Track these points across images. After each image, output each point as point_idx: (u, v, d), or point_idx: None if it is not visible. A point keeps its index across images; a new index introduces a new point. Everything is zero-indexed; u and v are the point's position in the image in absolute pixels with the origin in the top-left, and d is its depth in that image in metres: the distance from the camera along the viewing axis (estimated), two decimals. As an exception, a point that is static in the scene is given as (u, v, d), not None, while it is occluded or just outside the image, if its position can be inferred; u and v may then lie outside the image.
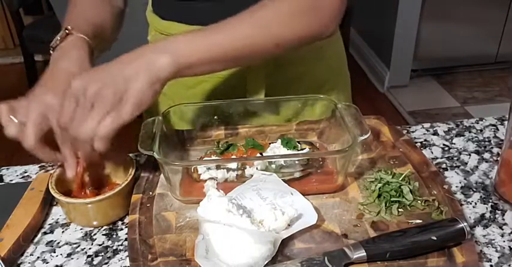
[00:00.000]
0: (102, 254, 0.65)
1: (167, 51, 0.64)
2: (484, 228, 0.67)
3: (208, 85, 0.89)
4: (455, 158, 0.81)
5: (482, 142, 0.85)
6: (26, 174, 0.82)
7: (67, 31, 0.75)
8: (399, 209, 0.67)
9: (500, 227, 0.67)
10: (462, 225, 0.60)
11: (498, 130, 0.88)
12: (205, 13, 0.81)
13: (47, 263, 0.65)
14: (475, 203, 0.72)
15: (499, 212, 0.70)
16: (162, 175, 0.73)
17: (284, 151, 0.74)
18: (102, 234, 0.69)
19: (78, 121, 0.62)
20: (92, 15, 0.82)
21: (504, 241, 0.65)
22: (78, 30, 0.75)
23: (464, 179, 0.76)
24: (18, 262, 0.65)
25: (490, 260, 0.62)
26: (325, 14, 0.75)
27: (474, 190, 0.74)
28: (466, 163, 0.80)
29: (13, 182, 0.80)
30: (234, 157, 0.74)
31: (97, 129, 0.61)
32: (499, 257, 0.62)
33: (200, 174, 0.71)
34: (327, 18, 0.75)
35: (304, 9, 0.72)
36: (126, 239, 0.66)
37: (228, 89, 0.88)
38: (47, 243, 0.68)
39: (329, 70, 0.96)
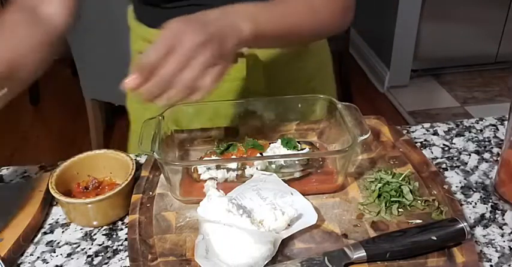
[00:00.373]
0: (102, 254, 0.65)
1: (248, 19, 0.65)
2: (484, 228, 0.67)
3: None
4: (455, 158, 0.81)
5: (482, 142, 0.85)
6: (26, 174, 0.82)
7: None
8: (399, 209, 0.67)
9: (500, 227, 0.67)
10: (462, 225, 0.60)
11: (498, 130, 0.88)
12: None
13: (47, 263, 0.65)
14: (475, 203, 0.72)
15: (499, 212, 0.70)
16: (162, 175, 0.73)
17: (284, 151, 0.74)
18: (102, 234, 0.69)
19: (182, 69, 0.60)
20: None
21: (504, 241, 0.65)
22: None
23: (464, 179, 0.76)
24: (18, 262, 0.65)
25: (490, 260, 0.62)
26: (351, 9, 0.79)
27: (474, 190, 0.74)
28: (466, 163, 0.80)
29: (13, 182, 0.80)
30: (234, 157, 0.74)
31: (203, 79, 0.60)
32: (499, 257, 0.62)
33: (200, 174, 0.71)
34: (351, 13, 0.80)
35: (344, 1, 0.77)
36: (126, 239, 0.66)
37: (229, 92, 0.88)
38: (47, 243, 0.68)
39: (317, 64, 0.99)
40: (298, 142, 0.77)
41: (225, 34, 0.62)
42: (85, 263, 0.64)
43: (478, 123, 0.90)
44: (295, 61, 0.92)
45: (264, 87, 0.91)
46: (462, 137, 0.86)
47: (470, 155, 0.82)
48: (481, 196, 0.73)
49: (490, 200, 0.72)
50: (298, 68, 0.94)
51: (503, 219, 0.69)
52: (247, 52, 0.81)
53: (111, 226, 0.70)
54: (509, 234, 0.66)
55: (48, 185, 0.70)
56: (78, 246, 0.67)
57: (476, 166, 0.79)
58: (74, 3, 0.79)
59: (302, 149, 0.75)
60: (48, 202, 0.74)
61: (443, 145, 0.85)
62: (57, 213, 0.73)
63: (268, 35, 0.68)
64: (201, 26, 0.61)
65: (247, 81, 0.88)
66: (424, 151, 0.80)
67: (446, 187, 0.69)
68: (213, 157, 0.74)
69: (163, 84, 0.59)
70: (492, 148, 0.83)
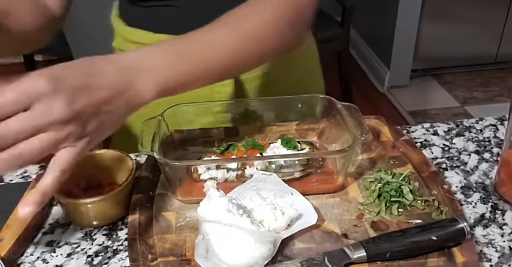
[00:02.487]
0: (102, 254, 0.65)
1: (152, 79, 0.55)
2: (484, 228, 0.67)
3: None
4: (455, 158, 0.81)
5: (482, 142, 0.85)
6: (26, 174, 0.82)
7: None
8: (399, 209, 0.67)
9: (500, 227, 0.67)
10: (462, 225, 0.60)
11: (498, 130, 0.88)
12: (173, 21, 0.77)
13: (47, 263, 0.65)
14: (475, 203, 0.72)
15: (499, 212, 0.70)
16: (162, 175, 0.73)
17: (284, 151, 0.74)
18: (102, 234, 0.69)
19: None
20: None
21: (504, 241, 0.65)
22: None
23: (464, 179, 0.76)
24: (18, 262, 0.65)
25: (490, 260, 0.62)
26: (303, 23, 0.71)
27: (474, 190, 0.74)
28: (466, 163, 0.80)
29: (13, 182, 0.80)
30: (234, 157, 0.74)
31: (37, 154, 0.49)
32: (499, 257, 0.62)
33: (200, 174, 0.71)
34: (305, 27, 0.72)
35: (288, 17, 0.67)
36: (126, 239, 0.66)
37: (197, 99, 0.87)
38: (47, 243, 0.68)
39: (299, 81, 0.95)
40: (298, 142, 0.77)
41: (99, 112, 0.52)
42: (85, 263, 0.64)
43: (478, 123, 0.90)
44: (266, 76, 0.89)
45: (252, 94, 0.90)
46: (462, 137, 0.86)
47: (470, 155, 0.82)
48: (481, 196, 0.73)
49: (490, 200, 0.72)
50: (271, 83, 0.90)
51: (503, 219, 0.69)
52: None
53: (111, 226, 0.70)
54: (509, 234, 0.66)
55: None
56: (78, 246, 0.67)
57: (476, 166, 0.79)
58: None
59: (302, 149, 0.75)
60: (48, 202, 0.74)
61: (443, 145, 0.85)
62: (57, 213, 0.73)
63: (187, 84, 0.59)
64: (72, 97, 0.49)
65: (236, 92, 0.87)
66: (424, 151, 0.80)
67: (446, 187, 0.69)
68: (213, 157, 0.74)
69: None
70: (492, 148, 0.83)
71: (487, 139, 0.86)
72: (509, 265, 0.61)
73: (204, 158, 0.74)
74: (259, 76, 0.89)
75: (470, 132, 0.88)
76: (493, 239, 0.65)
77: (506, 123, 0.78)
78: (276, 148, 0.74)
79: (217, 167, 0.71)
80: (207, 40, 0.61)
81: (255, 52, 0.66)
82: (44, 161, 0.80)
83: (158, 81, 0.56)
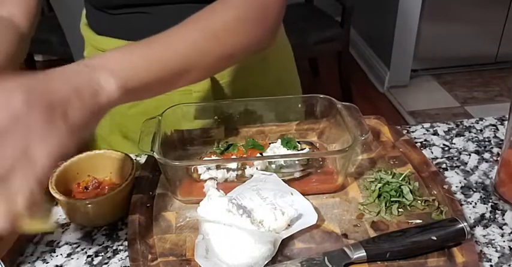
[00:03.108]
0: (102, 254, 0.65)
1: (105, 70, 0.53)
2: (484, 228, 0.67)
3: (155, 103, 0.78)
4: (455, 158, 0.81)
5: (482, 142, 0.85)
6: (26, 174, 0.82)
7: None
8: (399, 209, 0.67)
9: (500, 227, 0.67)
10: (462, 225, 0.60)
11: (498, 130, 0.88)
12: (145, 28, 0.73)
13: (47, 263, 0.65)
14: (475, 203, 0.72)
15: (499, 212, 0.70)
16: (162, 175, 0.73)
17: (284, 151, 0.74)
18: (102, 234, 0.69)
19: None
20: None
21: (504, 241, 0.65)
22: None
23: (464, 179, 0.76)
24: (18, 262, 0.65)
25: (490, 260, 0.62)
26: (270, 23, 0.71)
27: (474, 190, 0.74)
28: (466, 163, 0.80)
29: (13, 182, 0.80)
30: (234, 157, 0.74)
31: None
32: (499, 257, 0.62)
33: (200, 174, 0.71)
34: (272, 28, 0.71)
35: (252, 17, 0.67)
36: (126, 239, 0.66)
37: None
38: (47, 243, 0.68)
39: (277, 82, 0.94)
40: (298, 142, 0.77)
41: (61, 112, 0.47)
42: (85, 263, 0.64)
43: (478, 123, 0.90)
44: (243, 76, 0.88)
45: (228, 92, 0.90)
46: (462, 137, 0.86)
47: (470, 155, 0.82)
48: (481, 196, 0.73)
49: (490, 200, 0.72)
50: (249, 83, 0.90)
51: (503, 219, 0.69)
52: None
53: (111, 226, 0.70)
54: (509, 234, 0.66)
55: (48, 185, 0.70)
56: (78, 246, 0.67)
57: (476, 166, 0.79)
58: (34, 3, 0.75)
59: (302, 149, 0.75)
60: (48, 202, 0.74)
61: (443, 145, 0.85)
62: (57, 213, 0.73)
63: (150, 84, 0.57)
64: (29, 98, 0.45)
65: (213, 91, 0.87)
66: (424, 151, 0.80)
67: (446, 187, 0.69)
68: (213, 157, 0.74)
69: None
70: (492, 148, 0.83)
71: (487, 139, 0.86)
72: (509, 265, 0.61)
73: (204, 158, 0.74)
74: (235, 80, 0.88)
75: (470, 132, 0.88)
76: (493, 239, 0.65)
77: (506, 123, 0.78)
78: (276, 148, 0.75)
79: (217, 167, 0.71)
80: (167, 40, 0.60)
81: (219, 50, 0.64)
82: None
83: (119, 78, 0.53)
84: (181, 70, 0.61)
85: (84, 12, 0.89)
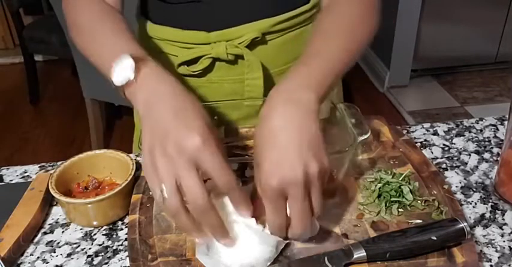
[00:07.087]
0: (102, 254, 0.65)
1: (308, 90, 0.63)
2: (484, 228, 0.67)
3: (206, 91, 0.88)
4: (455, 158, 0.81)
5: (482, 142, 0.85)
6: (26, 174, 0.82)
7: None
8: (399, 209, 0.67)
9: (500, 227, 0.67)
10: (462, 225, 0.60)
11: (498, 130, 0.88)
12: (202, 17, 0.81)
13: (47, 263, 0.65)
14: (475, 203, 0.72)
15: (499, 212, 0.70)
16: (162, 175, 0.73)
17: (284, 151, 0.73)
18: (102, 234, 0.69)
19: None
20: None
21: (504, 241, 0.65)
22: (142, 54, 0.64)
23: (464, 179, 0.76)
24: (18, 262, 0.65)
25: (490, 260, 0.62)
26: (378, 10, 0.78)
27: (474, 190, 0.74)
28: (466, 163, 0.80)
29: (13, 182, 0.80)
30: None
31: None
32: (499, 257, 0.62)
33: (200, 174, 0.71)
34: (377, 6, 0.78)
35: (370, 9, 0.76)
36: (126, 239, 0.66)
37: (227, 95, 0.88)
38: (47, 243, 0.68)
39: None
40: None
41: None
42: (85, 263, 0.64)
43: (478, 123, 0.90)
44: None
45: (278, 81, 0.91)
46: (462, 137, 0.86)
47: (470, 155, 0.82)
48: (481, 196, 0.73)
49: (490, 200, 0.72)
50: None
51: (503, 219, 0.69)
52: (247, 57, 0.81)
53: (111, 226, 0.70)
54: (509, 234, 0.66)
55: (48, 185, 0.70)
56: (78, 246, 0.67)
57: (476, 166, 0.79)
58: None
59: (302, 149, 0.75)
60: (48, 202, 0.74)
61: (443, 145, 0.85)
62: (57, 213, 0.73)
63: (331, 85, 0.67)
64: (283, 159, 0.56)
65: (245, 85, 0.88)
66: (424, 151, 0.80)
67: (446, 187, 0.69)
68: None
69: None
70: (492, 148, 0.83)
71: (487, 139, 0.86)
72: (509, 265, 0.61)
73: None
74: (285, 70, 0.89)
75: (470, 132, 0.88)
76: (493, 239, 0.65)
77: (506, 123, 0.78)
78: (276, 148, 0.74)
79: (217, 167, 0.70)
80: (324, 51, 0.69)
81: (357, 47, 0.74)
82: (44, 161, 0.80)
83: (316, 91, 0.63)
84: (343, 65, 0.71)
85: (137, 2, 0.92)
